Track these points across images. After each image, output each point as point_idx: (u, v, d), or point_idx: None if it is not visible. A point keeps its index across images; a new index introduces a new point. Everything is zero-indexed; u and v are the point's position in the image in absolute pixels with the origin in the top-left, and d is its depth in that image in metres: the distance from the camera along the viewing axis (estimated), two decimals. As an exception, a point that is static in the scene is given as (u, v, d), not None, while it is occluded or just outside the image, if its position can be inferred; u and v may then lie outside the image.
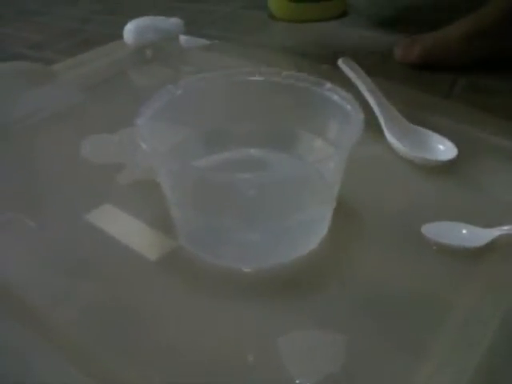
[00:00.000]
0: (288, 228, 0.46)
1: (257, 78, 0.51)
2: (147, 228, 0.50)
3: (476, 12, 0.84)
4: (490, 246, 0.46)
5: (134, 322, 0.42)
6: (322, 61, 0.85)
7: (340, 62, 0.68)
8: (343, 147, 0.42)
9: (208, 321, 0.42)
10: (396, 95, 0.65)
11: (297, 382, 0.36)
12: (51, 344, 0.39)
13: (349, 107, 0.46)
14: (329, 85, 0.49)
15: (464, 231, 0.47)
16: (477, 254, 0.46)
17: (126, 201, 0.53)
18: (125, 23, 0.85)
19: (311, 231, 0.47)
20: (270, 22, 1.10)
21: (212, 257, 0.46)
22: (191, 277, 0.45)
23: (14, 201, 0.55)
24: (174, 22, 0.86)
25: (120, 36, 0.85)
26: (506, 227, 0.46)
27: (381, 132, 0.60)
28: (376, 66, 0.87)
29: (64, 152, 0.62)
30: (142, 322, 0.42)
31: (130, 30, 0.83)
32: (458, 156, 0.56)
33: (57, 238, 0.50)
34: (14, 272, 0.46)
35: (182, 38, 0.86)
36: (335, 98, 0.48)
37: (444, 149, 0.57)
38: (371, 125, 0.56)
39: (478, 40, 0.82)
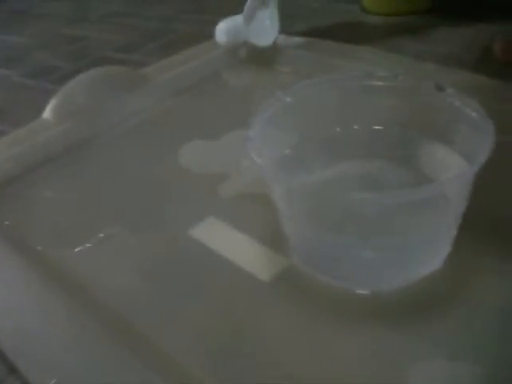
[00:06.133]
0: (406, 247, 0.42)
1: (373, 82, 0.48)
2: (256, 245, 0.47)
3: None
4: None
5: (245, 346, 0.39)
6: (424, 58, 0.81)
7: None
8: (475, 163, 0.37)
9: (321, 344, 0.39)
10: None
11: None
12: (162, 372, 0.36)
13: (474, 114, 0.42)
14: (451, 89, 0.45)
15: None
16: None
17: (231, 214, 0.50)
18: (213, 22, 0.82)
19: (432, 251, 0.43)
20: (362, 16, 1.06)
21: (327, 277, 0.43)
22: (305, 298, 0.42)
23: (113, 214, 0.53)
24: (267, 19, 0.82)
25: (208, 35, 0.83)
26: None
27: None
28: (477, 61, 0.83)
29: (162, 161, 0.60)
30: (253, 344, 0.39)
31: (223, 29, 0.81)
32: None
33: (158, 254, 0.48)
34: (115, 289, 0.44)
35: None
36: (457, 103, 0.44)
37: None
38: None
39: None
